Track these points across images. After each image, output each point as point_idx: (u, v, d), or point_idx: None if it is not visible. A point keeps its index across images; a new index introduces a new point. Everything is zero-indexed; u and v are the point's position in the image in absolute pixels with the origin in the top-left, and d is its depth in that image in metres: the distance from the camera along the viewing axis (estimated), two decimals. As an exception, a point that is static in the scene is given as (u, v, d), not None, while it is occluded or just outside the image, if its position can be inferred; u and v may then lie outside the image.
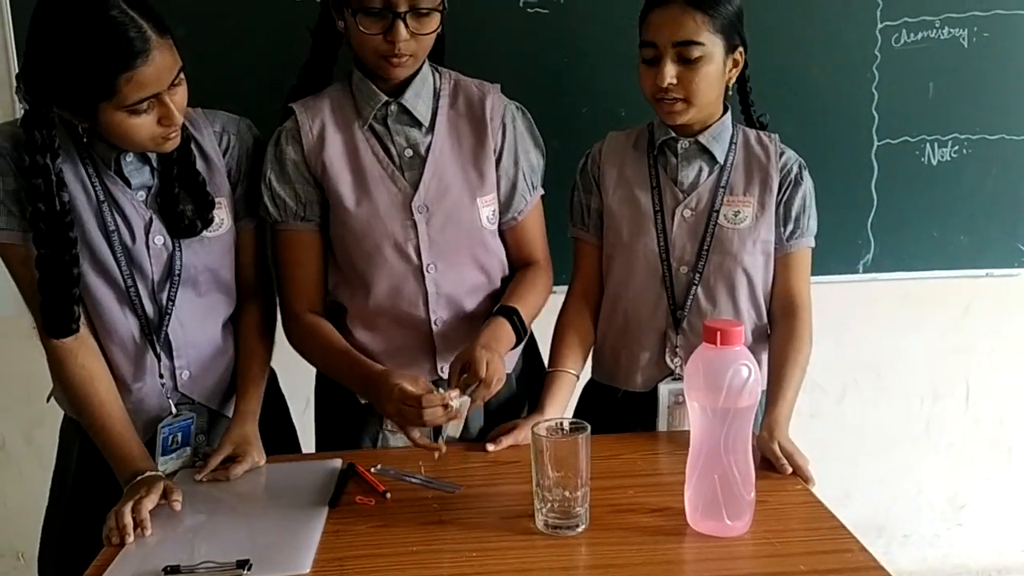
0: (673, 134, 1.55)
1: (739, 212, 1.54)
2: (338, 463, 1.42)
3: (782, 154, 1.57)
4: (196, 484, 1.36)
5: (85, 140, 1.33)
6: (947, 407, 2.45)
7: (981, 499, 2.52)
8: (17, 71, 1.92)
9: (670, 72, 1.45)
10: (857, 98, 2.12)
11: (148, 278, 1.39)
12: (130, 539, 1.19)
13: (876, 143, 2.15)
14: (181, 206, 1.39)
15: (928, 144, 2.16)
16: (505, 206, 1.56)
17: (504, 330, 1.45)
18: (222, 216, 1.44)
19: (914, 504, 2.51)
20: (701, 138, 1.54)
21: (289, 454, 1.57)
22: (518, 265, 1.60)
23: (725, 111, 1.56)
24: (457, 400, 1.32)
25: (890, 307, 2.33)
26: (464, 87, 1.54)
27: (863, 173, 2.15)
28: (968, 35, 2.10)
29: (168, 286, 1.40)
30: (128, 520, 1.20)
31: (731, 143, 1.57)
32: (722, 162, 1.55)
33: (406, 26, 1.36)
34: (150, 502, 1.24)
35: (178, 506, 1.26)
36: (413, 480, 1.37)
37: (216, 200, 1.43)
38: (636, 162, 1.59)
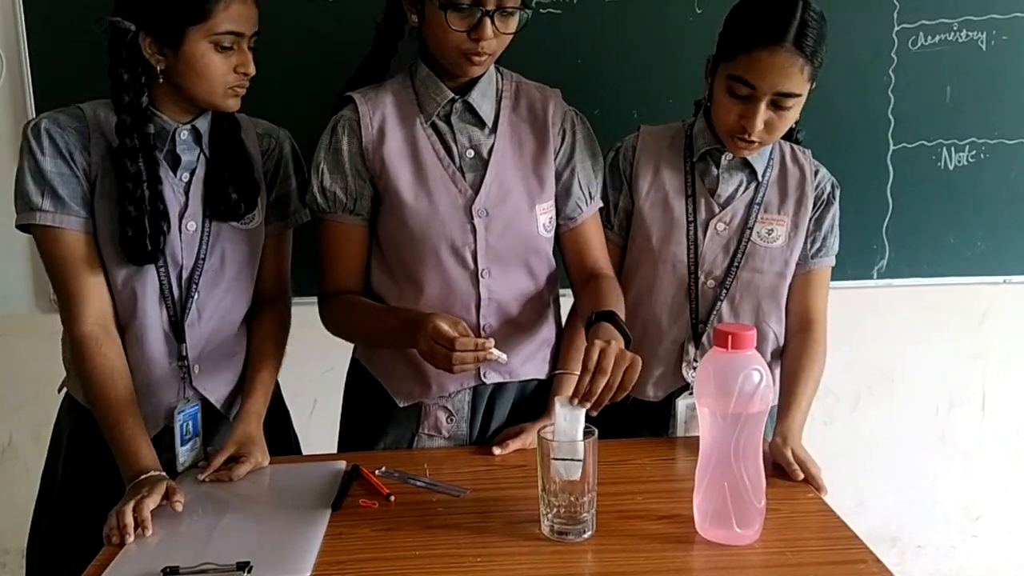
0: (718, 145, 1.50)
1: (772, 230, 1.52)
2: (342, 465, 1.41)
3: (817, 172, 1.55)
4: (198, 484, 1.35)
5: (147, 103, 1.35)
6: (963, 416, 2.41)
7: (997, 510, 2.48)
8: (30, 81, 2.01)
9: (763, 120, 1.39)
10: (873, 101, 2.10)
11: (177, 264, 1.41)
12: (131, 539, 1.18)
13: (892, 147, 2.12)
14: (227, 187, 1.41)
15: (945, 148, 2.13)
16: (558, 210, 1.52)
17: (613, 331, 1.32)
18: (254, 212, 1.46)
19: (929, 514, 2.47)
20: None
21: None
22: (581, 275, 1.53)
23: None
24: (497, 352, 1.26)
25: (905, 314, 2.30)
26: (526, 90, 1.51)
27: (878, 177, 2.13)
28: (987, 38, 2.08)
29: (193, 274, 1.42)
30: (129, 520, 1.19)
31: (769, 159, 1.54)
32: (760, 178, 1.53)
33: (493, 24, 1.35)
34: (152, 502, 1.23)
35: (179, 507, 1.25)
36: (418, 483, 1.35)
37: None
38: (672, 166, 1.55)
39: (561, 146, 1.51)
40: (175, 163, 1.41)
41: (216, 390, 1.47)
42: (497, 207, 1.45)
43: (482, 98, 1.45)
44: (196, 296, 1.43)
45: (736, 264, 1.52)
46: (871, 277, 2.19)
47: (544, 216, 1.49)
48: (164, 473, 1.32)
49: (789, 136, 1.58)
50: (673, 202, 1.53)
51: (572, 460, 1.15)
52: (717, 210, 1.53)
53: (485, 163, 1.46)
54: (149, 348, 1.41)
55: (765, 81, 1.36)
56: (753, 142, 1.43)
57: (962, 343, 2.36)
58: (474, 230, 1.44)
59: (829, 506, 1.27)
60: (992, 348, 2.37)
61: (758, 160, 1.52)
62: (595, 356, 1.21)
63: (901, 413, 2.39)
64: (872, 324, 2.29)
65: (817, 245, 1.55)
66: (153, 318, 1.41)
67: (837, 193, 1.55)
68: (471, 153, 1.46)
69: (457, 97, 1.44)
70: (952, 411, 2.41)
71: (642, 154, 1.56)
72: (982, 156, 2.13)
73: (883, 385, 2.38)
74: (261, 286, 1.53)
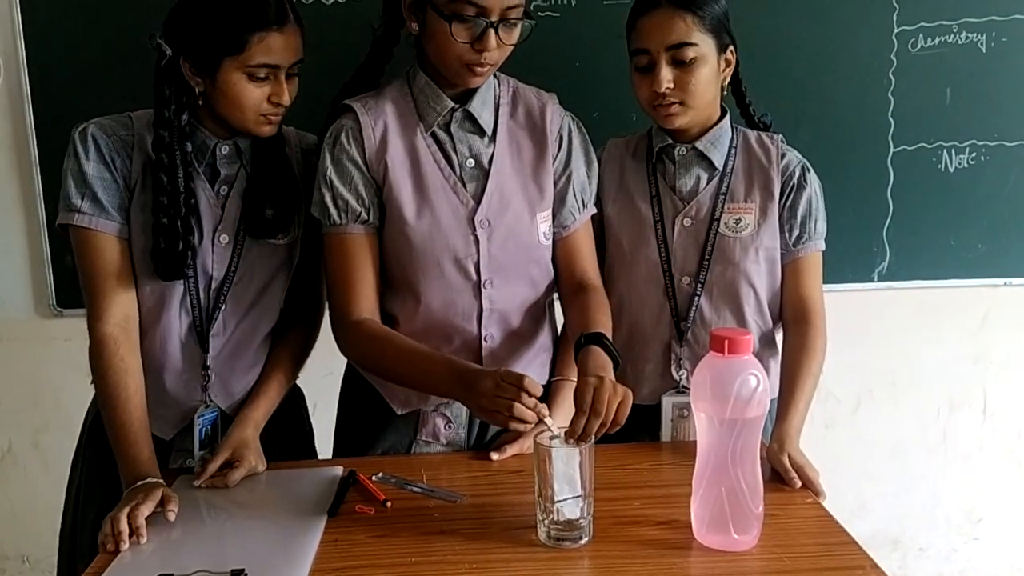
0: (670, 140, 1.52)
1: (740, 220, 1.51)
2: (339, 471, 1.40)
3: (783, 156, 1.54)
4: (194, 491, 1.34)
5: (186, 123, 1.36)
6: (964, 418, 2.40)
7: (998, 513, 2.47)
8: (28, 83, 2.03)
9: (667, 76, 1.42)
10: (873, 104, 2.09)
11: (207, 275, 1.42)
12: (125, 546, 1.17)
13: (892, 149, 2.12)
14: (264, 205, 1.42)
15: (945, 151, 2.13)
16: (552, 217, 1.50)
17: (603, 357, 1.31)
18: (290, 228, 1.47)
19: (930, 517, 2.46)
20: (698, 144, 1.51)
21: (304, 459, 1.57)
22: (570, 285, 1.51)
23: (723, 115, 1.53)
24: (555, 426, 1.23)
25: (905, 316, 2.30)
26: (523, 96, 1.49)
27: (879, 180, 2.13)
28: (986, 40, 2.08)
29: (222, 286, 1.43)
30: (124, 527, 1.18)
31: (730, 147, 1.54)
32: (721, 168, 1.52)
33: (497, 35, 1.33)
34: (147, 509, 1.22)
35: (172, 516, 1.23)
36: (415, 489, 1.35)
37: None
38: (635, 171, 1.57)
39: (558, 153, 1.49)
40: (213, 176, 1.42)
41: (234, 400, 1.48)
42: (499, 217, 1.44)
43: (482, 106, 1.44)
44: (223, 307, 1.43)
45: (707, 258, 1.51)
46: (871, 279, 2.18)
47: (544, 224, 1.48)
48: (161, 480, 1.32)
49: (754, 123, 1.59)
50: (639, 204, 1.55)
51: (573, 498, 1.15)
52: (681, 206, 1.53)
53: (486, 172, 1.45)
54: (171, 354, 1.42)
55: (653, 40, 1.43)
56: (672, 104, 1.44)
57: (963, 345, 2.35)
58: (476, 241, 1.43)
59: (827, 511, 1.26)
60: (993, 350, 2.36)
61: (713, 150, 1.52)
62: (588, 398, 1.21)
63: (902, 416, 2.38)
64: (873, 327, 2.28)
65: (797, 232, 1.53)
66: (178, 325, 1.42)
67: (810, 175, 1.53)
68: (471, 162, 1.45)
69: (457, 106, 1.43)
70: (953, 414, 2.40)
71: (607, 165, 1.58)
72: (982, 158, 2.13)
73: (884, 388, 2.37)
74: (294, 299, 1.52)
